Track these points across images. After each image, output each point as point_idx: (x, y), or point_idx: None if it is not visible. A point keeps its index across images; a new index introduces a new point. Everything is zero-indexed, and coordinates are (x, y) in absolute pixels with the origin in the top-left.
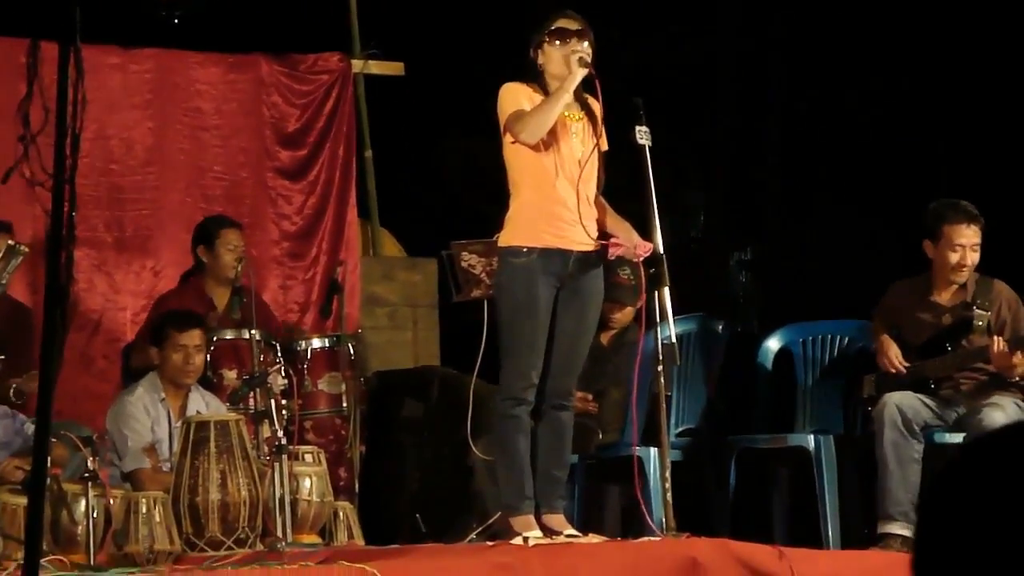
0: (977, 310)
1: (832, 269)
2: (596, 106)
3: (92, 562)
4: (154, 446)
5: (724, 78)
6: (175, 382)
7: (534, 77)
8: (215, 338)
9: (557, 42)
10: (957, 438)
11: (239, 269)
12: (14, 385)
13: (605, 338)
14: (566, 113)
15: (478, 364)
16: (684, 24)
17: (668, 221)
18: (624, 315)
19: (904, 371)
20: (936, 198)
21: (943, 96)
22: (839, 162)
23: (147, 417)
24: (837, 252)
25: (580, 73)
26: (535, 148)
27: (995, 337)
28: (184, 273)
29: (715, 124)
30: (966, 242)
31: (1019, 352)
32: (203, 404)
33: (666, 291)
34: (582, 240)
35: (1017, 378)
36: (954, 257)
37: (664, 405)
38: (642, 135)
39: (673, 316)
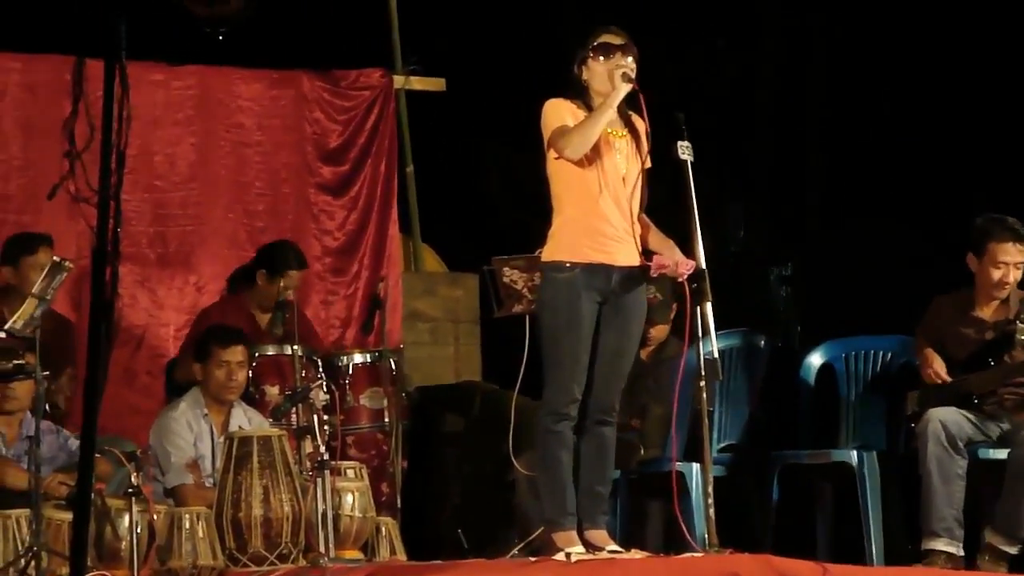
0: (1020, 325)
1: (873, 283)
2: (640, 123)
3: None
4: (197, 462)
5: (764, 92)
6: (218, 398)
7: (578, 93)
8: (257, 354)
9: (601, 57)
10: (1001, 454)
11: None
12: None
13: (644, 354)
14: (609, 130)
15: (520, 379)
16: (724, 38)
17: (708, 236)
18: (659, 331)
19: (945, 386)
20: (977, 212)
21: (984, 108)
22: (880, 175)
23: (190, 433)
24: (878, 266)
25: (624, 89)
26: (579, 164)
27: None
28: (230, 277)
29: (755, 138)
30: (1010, 260)
31: None
32: (245, 420)
33: (708, 306)
34: (626, 256)
35: None
36: (997, 274)
37: (706, 421)
38: (684, 150)
39: (715, 331)
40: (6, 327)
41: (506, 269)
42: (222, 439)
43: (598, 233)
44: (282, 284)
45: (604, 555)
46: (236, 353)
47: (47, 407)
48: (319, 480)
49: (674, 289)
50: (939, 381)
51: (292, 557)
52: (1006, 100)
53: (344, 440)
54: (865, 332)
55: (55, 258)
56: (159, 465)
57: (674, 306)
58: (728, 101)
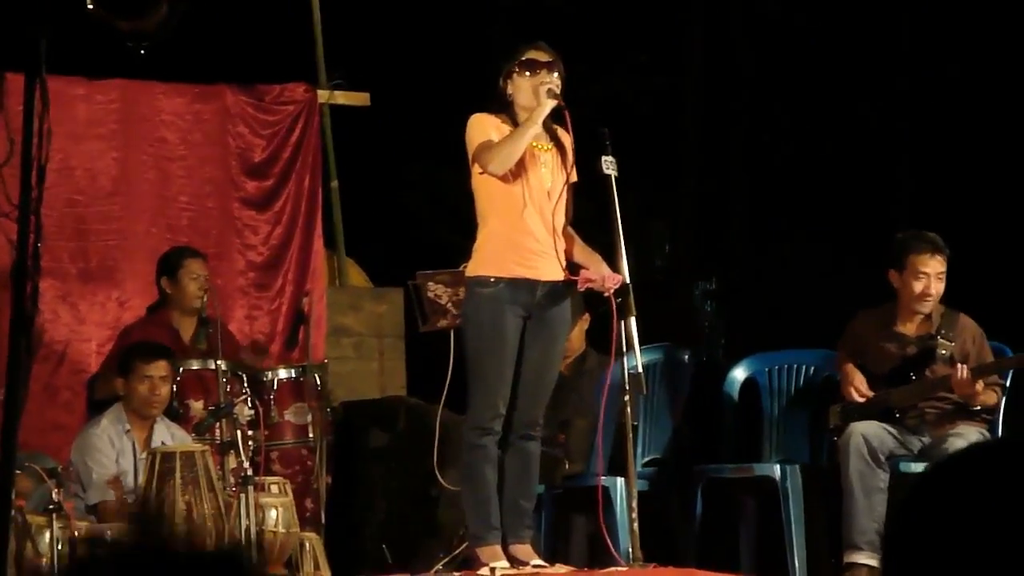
0: (942, 340)
1: (797, 299)
2: (566, 137)
3: None
4: (119, 478)
5: (690, 108)
6: (140, 413)
7: (503, 108)
8: (181, 368)
9: (527, 73)
10: (922, 467)
11: (204, 299)
12: None
13: (563, 366)
14: (535, 144)
15: (444, 394)
16: (650, 55)
17: (633, 250)
18: (572, 335)
19: (867, 400)
20: (901, 228)
21: (907, 126)
22: (803, 192)
23: (112, 449)
24: (802, 282)
25: (549, 104)
26: (503, 178)
27: (958, 365)
28: (150, 306)
29: (680, 153)
30: (930, 271)
31: (981, 380)
32: (168, 435)
33: (633, 321)
34: (550, 271)
35: (979, 406)
36: (918, 286)
37: (631, 435)
38: (608, 165)
39: (639, 346)
40: None
41: (431, 284)
42: (144, 455)
43: (522, 248)
44: (187, 279)
45: (528, 570)
46: (159, 368)
47: None
48: (243, 496)
49: (584, 299)
50: (859, 399)
51: None
52: (930, 118)
53: (268, 455)
54: (788, 346)
55: None
56: (80, 481)
57: (586, 316)
58: (654, 117)
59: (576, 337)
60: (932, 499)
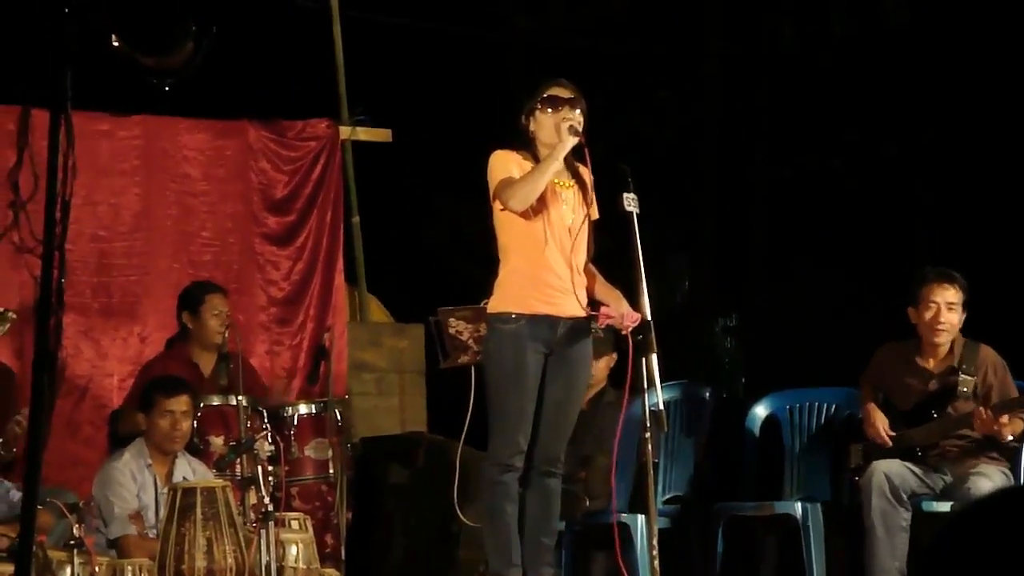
0: (963, 375)
1: (817, 335)
2: (587, 174)
3: None
4: (140, 513)
5: (709, 145)
6: (162, 448)
7: (524, 144)
8: (201, 404)
9: (549, 110)
10: (945, 506)
11: (225, 335)
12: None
13: (583, 401)
14: (556, 181)
15: (465, 430)
16: (669, 90)
17: (653, 287)
18: (597, 370)
19: (890, 443)
20: (922, 263)
21: (927, 162)
22: (823, 228)
23: (133, 484)
24: (822, 318)
25: (571, 141)
26: (524, 215)
27: (979, 408)
28: (169, 339)
29: (699, 190)
30: (940, 299)
31: (1004, 416)
32: (190, 471)
33: (654, 358)
34: (571, 307)
35: (1008, 439)
36: (928, 314)
37: (651, 472)
38: (629, 202)
39: (660, 383)
40: None
41: (452, 320)
42: (166, 490)
43: (544, 284)
44: (208, 315)
45: None
46: (180, 403)
47: None
48: (263, 532)
49: (612, 338)
50: (880, 441)
51: None
52: (950, 154)
53: (288, 491)
54: (809, 384)
55: None
56: (102, 516)
57: (613, 354)
58: (673, 153)
59: (601, 371)
60: (957, 543)
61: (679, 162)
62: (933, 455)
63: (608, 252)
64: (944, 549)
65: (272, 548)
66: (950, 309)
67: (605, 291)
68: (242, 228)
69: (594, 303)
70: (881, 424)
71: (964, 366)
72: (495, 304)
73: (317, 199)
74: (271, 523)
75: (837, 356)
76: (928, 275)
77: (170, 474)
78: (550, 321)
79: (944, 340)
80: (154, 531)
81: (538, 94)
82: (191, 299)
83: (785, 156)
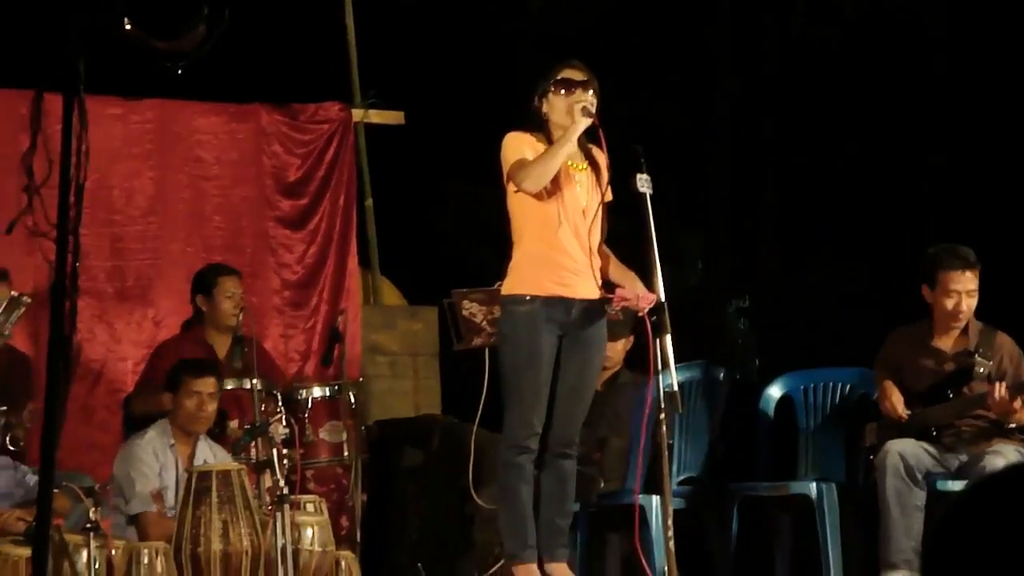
0: (979, 358)
1: (831, 315)
2: (600, 156)
3: None
4: (161, 492)
5: (721, 126)
6: (186, 429)
7: (538, 126)
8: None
9: (562, 91)
10: (959, 486)
11: (239, 318)
12: (11, 422)
13: (598, 382)
14: (570, 163)
15: (479, 413)
16: (681, 73)
17: (666, 268)
18: (615, 352)
19: (906, 418)
20: (931, 242)
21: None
22: (836, 208)
23: (156, 462)
24: (836, 298)
25: (584, 123)
26: (538, 197)
27: (996, 384)
28: (184, 322)
29: (712, 172)
30: (961, 288)
31: (1020, 398)
32: (211, 454)
33: (668, 339)
34: (586, 289)
35: (1016, 424)
36: (950, 303)
37: (666, 453)
38: (643, 183)
39: (674, 364)
40: None
41: (465, 302)
42: (185, 472)
43: (558, 266)
44: (222, 297)
45: None
46: (208, 384)
47: (7, 442)
48: (278, 514)
49: (631, 321)
50: (896, 417)
51: None
52: (958, 134)
53: (303, 474)
54: (823, 364)
55: (13, 293)
56: (122, 493)
57: (631, 338)
58: (686, 135)
59: (618, 353)
60: (971, 519)
61: (692, 143)
62: (948, 435)
63: (622, 233)
64: (957, 524)
65: (287, 531)
66: (970, 296)
67: (620, 272)
68: (255, 211)
69: (609, 284)
70: (898, 400)
71: (981, 350)
72: (509, 286)
73: (330, 182)
74: (286, 506)
75: (851, 336)
76: (947, 260)
77: (192, 456)
78: (564, 303)
79: (963, 325)
80: (173, 512)
81: (551, 76)
82: (204, 282)
83: (798, 138)
